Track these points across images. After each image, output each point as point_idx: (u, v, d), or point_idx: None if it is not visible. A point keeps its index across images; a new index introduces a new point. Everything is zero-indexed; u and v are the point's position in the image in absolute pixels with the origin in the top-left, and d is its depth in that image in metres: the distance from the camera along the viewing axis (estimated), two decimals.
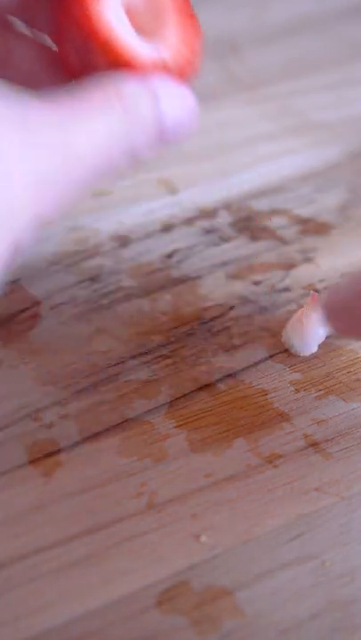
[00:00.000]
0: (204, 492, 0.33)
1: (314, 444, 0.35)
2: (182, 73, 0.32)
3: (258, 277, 0.42)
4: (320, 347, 0.39)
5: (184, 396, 0.36)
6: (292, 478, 0.33)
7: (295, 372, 0.38)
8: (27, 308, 0.40)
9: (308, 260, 0.44)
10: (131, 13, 0.30)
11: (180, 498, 0.33)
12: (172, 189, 0.48)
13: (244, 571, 0.30)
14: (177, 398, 0.36)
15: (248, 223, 0.46)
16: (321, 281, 0.42)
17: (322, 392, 0.37)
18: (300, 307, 0.41)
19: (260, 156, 0.51)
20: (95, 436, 0.35)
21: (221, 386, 0.37)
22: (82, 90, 0.28)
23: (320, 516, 0.32)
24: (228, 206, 0.47)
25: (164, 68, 0.30)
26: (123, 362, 0.38)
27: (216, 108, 0.56)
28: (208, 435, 0.35)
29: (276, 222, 0.46)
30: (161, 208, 0.46)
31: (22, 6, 0.32)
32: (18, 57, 0.33)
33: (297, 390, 0.37)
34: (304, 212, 0.47)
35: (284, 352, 0.38)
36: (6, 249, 0.26)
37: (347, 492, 0.33)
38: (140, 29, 0.30)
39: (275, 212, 0.47)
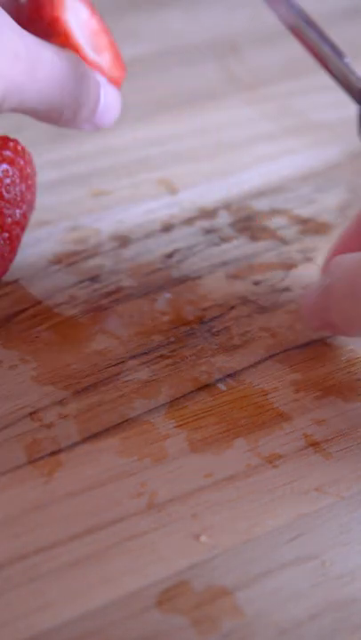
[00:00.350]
0: (204, 492, 0.33)
1: (314, 444, 0.35)
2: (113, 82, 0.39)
3: (258, 277, 0.42)
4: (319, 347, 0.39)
5: (184, 396, 0.36)
6: (292, 478, 0.33)
7: (295, 372, 0.38)
8: (27, 308, 0.40)
9: (308, 259, 0.44)
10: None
11: (180, 498, 0.33)
12: (172, 189, 0.48)
13: (244, 571, 0.30)
14: (177, 398, 0.36)
15: (248, 223, 0.46)
16: None
17: (322, 392, 0.37)
18: (300, 306, 0.41)
19: (260, 156, 0.51)
20: (95, 435, 0.35)
21: (221, 386, 0.37)
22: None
23: (320, 516, 0.32)
24: (228, 206, 0.47)
25: (102, 72, 0.38)
26: (123, 362, 0.38)
27: (216, 108, 0.56)
28: (208, 435, 0.35)
29: (276, 222, 0.46)
30: (161, 208, 0.46)
31: None
32: None
33: (297, 390, 0.37)
34: (304, 211, 0.47)
35: (284, 352, 0.38)
36: None
37: (347, 492, 0.33)
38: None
39: (275, 212, 0.47)
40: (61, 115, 0.36)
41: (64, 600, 0.29)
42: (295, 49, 0.63)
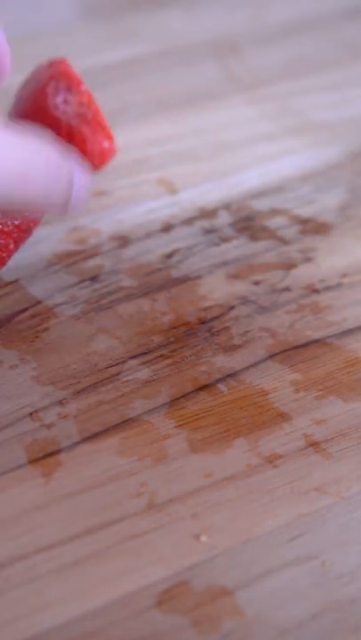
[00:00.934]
0: (204, 492, 0.33)
1: (314, 444, 0.35)
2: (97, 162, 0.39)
3: (258, 277, 0.42)
4: (320, 346, 0.39)
5: (184, 396, 0.36)
6: (292, 478, 0.33)
7: (295, 372, 0.38)
8: (27, 308, 0.40)
9: (308, 259, 0.44)
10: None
11: (180, 498, 0.33)
12: (172, 189, 0.48)
13: (244, 571, 0.30)
14: (177, 398, 0.36)
15: (248, 223, 0.46)
16: (321, 281, 0.42)
17: (322, 392, 0.37)
18: (301, 307, 0.41)
19: (260, 156, 0.51)
20: (95, 435, 0.35)
21: (221, 386, 0.37)
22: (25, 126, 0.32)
23: (320, 516, 0.32)
24: (228, 206, 0.47)
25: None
26: (123, 362, 0.38)
27: (216, 108, 0.56)
28: (208, 435, 0.35)
29: (276, 222, 0.46)
30: (161, 208, 0.46)
31: None
32: None
33: (297, 390, 0.37)
34: (304, 212, 0.47)
35: (284, 352, 0.38)
36: None
37: (347, 492, 0.33)
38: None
39: (275, 212, 0.47)
40: (24, 208, 0.33)
41: (64, 600, 0.29)
42: (295, 49, 0.63)
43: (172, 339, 0.39)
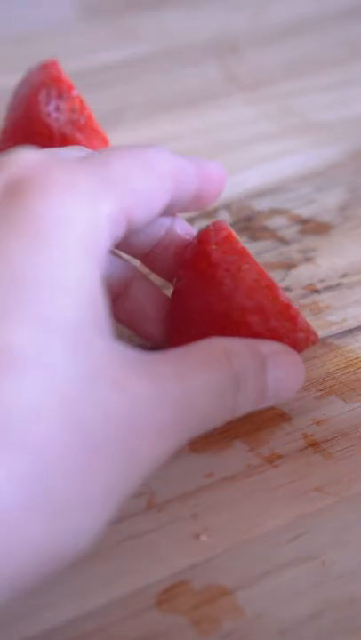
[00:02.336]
0: (204, 492, 0.33)
1: (314, 444, 0.35)
2: (303, 345, 0.34)
3: None
4: (320, 347, 0.39)
5: None
6: (292, 478, 0.33)
7: None
8: None
9: (308, 259, 0.44)
10: None
11: (180, 498, 0.33)
12: None
13: (244, 571, 0.30)
14: None
15: (248, 223, 0.46)
16: (321, 281, 0.42)
17: (322, 392, 0.37)
18: (301, 307, 0.41)
19: (260, 156, 0.51)
20: None
21: None
22: (195, 348, 0.30)
23: (320, 516, 0.32)
24: (228, 206, 0.47)
25: (313, 338, 0.34)
26: None
27: (216, 108, 0.56)
28: (208, 435, 0.35)
29: (276, 222, 0.46)
30: None
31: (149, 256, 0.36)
32: (135, 291, 0.36)
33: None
34: (304, 211, 0.47)
35: None
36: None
37: (347, 492, 0.33)
38: None
39: (275, 212, 0.47)
40: (218, 423, 0.31)
41: (64, 600, 0.29)
42: (295, 49, 0.63)
43: None
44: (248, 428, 0.35)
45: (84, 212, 0.29)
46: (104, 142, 0.48)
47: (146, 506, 0.32)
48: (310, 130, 0.54)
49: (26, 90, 0.46)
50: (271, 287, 0.33)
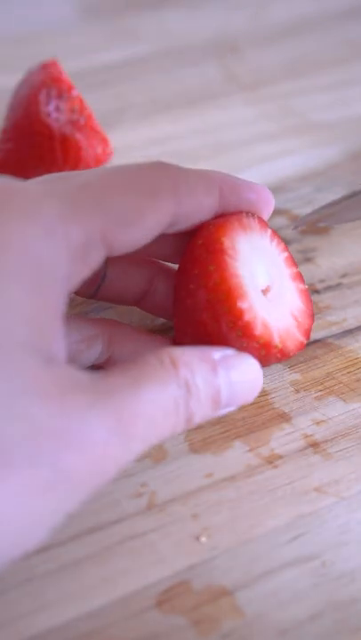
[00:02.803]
0: (204, 493, 0.33)
1: (314, 445, 0.35)
2: (294, 353, 0.34)
3: None
4: (320, 347, 0.39)
5: None
6: (292, 478, 0.33)
7: (295, 372, 0.38)
8: None
9: (308, 259, 0.44)
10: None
11: (180, 498, 0.33)
12: None
13: (244, 571, 0.30)
14: None
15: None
16: (321, 281, 0.42)
17: (322, 392, 0.37)
18: None
19: (260, 156, 0.51)
20: None
21: None
22: (140, 360, 0.30)
23: (320, 517, 0.32)
24: None
25: (275, 352, 0.33)
26: None
27: (216, 108, 0.56)
28: (208, 435, 0.35)
29: (276, 222, 0.46)
30: None
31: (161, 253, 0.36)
32: (158, 285, 0.37)
33: (297, 390, 0.37)
34: (304, 211, 0.47)
35: None
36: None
37: (347, 492, 0.33)
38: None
39: (275, 211, 0.47)
40: (174, 432, 0.30)
41: (64, 600, 0.29)
42: (295, 49, 0.63)
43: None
44: (248, 428, 0.35)
45: (39, 241, 0.28)
46: (104, 142, 0.48)
47: (146, 506, 0.32)
48: (310, 130, 0.54)
49: (26, 90, 0.46)
50: (229, 293, 0.32)
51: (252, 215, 0.34)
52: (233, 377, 0.31)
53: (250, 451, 0.34)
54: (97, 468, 0.27)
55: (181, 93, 0.58)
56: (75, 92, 0.45)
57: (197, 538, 0.31)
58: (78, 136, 0.46)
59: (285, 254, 0.35)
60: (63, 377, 0.28)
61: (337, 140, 0.53)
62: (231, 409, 0.32)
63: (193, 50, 0.63)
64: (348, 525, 0.32)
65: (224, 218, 0.33)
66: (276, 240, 0.35)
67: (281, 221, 0.46)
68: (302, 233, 0.45)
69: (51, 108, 0.45)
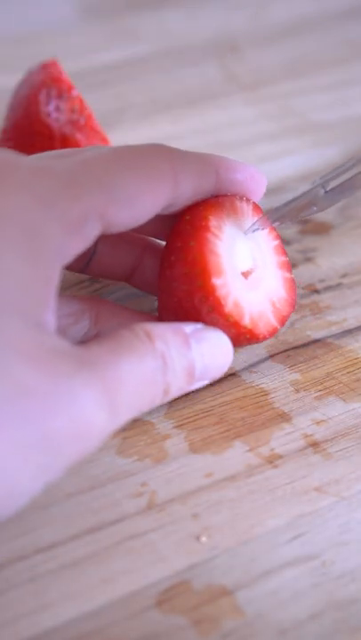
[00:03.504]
0: (205, 492, 0.33)
1: (314, 445, 0.35)
2: (267, 337, 0.35)
3: None
4: (320, 347, 0.39)
5: (184, 396, 0.36)
6: (292, 478, 0.33)
7: (295, 372, 0.38)
8: None
9: (308, 259, 0.44)
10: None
11: (181, 498, 0.33)
12: None
13: (244, 571, 0.30)
14: (177, 398, 0.36)
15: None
16: (321, 281, 0.42)
17: (322, 392, 0.37)
18: (301, 307, 0.41)
19: (260, 156, 0.51)
20: None
21: (221, 386, 0.37)
22: (117, 333, 0.30)
23: (320, 516, 0.32)
24: None
25: (244, 331, 0.34)
26: None
27: (216, 108, 0.56)
28: (208, 435, 0.35)
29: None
30: None
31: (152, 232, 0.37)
32: (148, 261, 0.37)
33: (297, 390, 0.37)
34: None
35: (283, 352, 0.38)
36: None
37: (347, 491, 0.33)
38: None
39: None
40: (152, 405, 0.31)
41: (64, 600, 0.29)
42: (295, 49, 0.63)
43: None
44: (248, 428, 0.35)
45: (37, 213, 0.29)
46: (104, 142, 0.48)
47: (146, 506, 0.32)
48: (310, 130, 0.54)
49: (26, 90, 0.46)
50: (205, 268, 0.32)
51: (247, 200, 0.35)
52: (204, 350, 0.32)
53: (250, 450, 0.34)
54: (81, 435, 0.28)
55: (181, 93, 0.58)
56: (75, 92, 0.45)
57: (198, 537, 0.31)
58: (78, 136, 0.46)
59: (276, 242, 0.36)
60: (51, 344, 0.28)
61: (337, 140, 0.53)
62: (204, 383, 0.33)
63: (193, 50, 0.63)
64: (349, 525, 0.32)
65: (216, 198, 0.34)
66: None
67: None
68: (302, 233, 0.45)
69: (51, 108, 0.45)
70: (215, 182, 0.34)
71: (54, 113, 0.45)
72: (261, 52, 0.63)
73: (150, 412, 0.36)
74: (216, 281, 0.32)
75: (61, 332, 0.34)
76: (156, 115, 0.55)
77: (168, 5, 0.69)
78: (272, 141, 0.53)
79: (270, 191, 0.48)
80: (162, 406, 0.36)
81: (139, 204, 0.31)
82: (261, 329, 0.34)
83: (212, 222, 0.33)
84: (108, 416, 0.29)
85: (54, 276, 0.29)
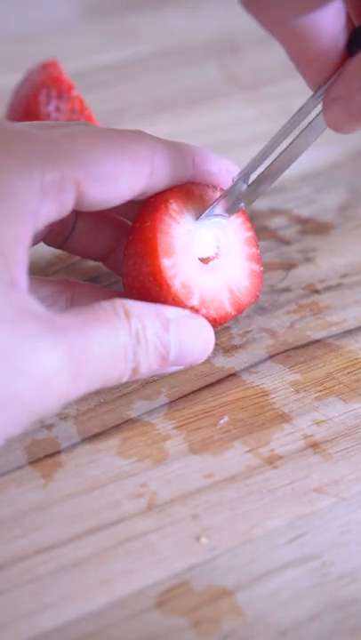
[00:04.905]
0: (204, 493, 0.33)
1: (314, 445, 0.35)
2: (219, 321, 0.35)
3: None
4: (320, 347, 0.39)
5: (184, 396, 0.36)
6: (292, 479, 0.33)
7: (295, 372, 0.38)
8: None
9: (308, 260, 0.44)
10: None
11: (180, 498, 0.33)
12: None
13: (244, 571, 0.30)
14: (177, 399, 0.36)
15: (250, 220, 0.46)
16: (321, 281, 0.42)
17: (322, 393, 0.37)
18: (301, 307, 0.41)
19: None
20: (95, 436, 0.35)
21: (221, 386, 0.37)
22: (95, 305, 0.31)
23: (320, 517, 0.32)
24: None
25: (185, 307, 0.34)
26: None
27: (216, 108, 0.56)
28: (208, 435, 0.35)
29: (276, 222, 0.46)
30: None
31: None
32: (122, 247, 0.37)
33: (297, 391, 0.37)
34: (304, 212, 0.47)
35: (283, 353, 0.38)
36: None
37: (347, 492, 0.33)
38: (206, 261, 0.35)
39: (275, 212, 0.47)
40: (120, 379, 0.32)
41: (64, 601, 0.29)
42: None
43: None
44: (248, 428, 0.35)
45: (14, 174, 0.30)
46: None
47: (146, 506, 0.32)
48: None
49: (26, 90, 0.46)
50: (154, 250, 0.33)
51: (221, 190, 0.36)
52: (183, 336, 0.33)
53: (250, 451, 0.34)
54: (42, 396, 0.28)
55: (181, 93, 0.58)
56: (75, 92, 0.45)
57: (197, 538, 0.31)
58: None
59: (248, 234, 0.37)
60: (21, 302, 0.29)
61: (337, 140, 0.53)
62: (179, 368, 0.34)
63: (193, 50, 0.63)
64: (348, 526, 0.32)
65: (187, 185, 0.35)
66: (241, 219, 0.37)
67: (281, 221, 0.46)
68: (302, 233, 0.45)
69: (51, 108, 0.45)
70: (191, 172, 0.35)
71: (54, 113, 0.45)
72: (261, 52, 0.62)
73: (150, 413, 0.36)
74: (165, 261, 0.33)
75: None
76: (156, 115, 0.55)
77: (168, 5, 0.69)
78: None
79: (270, 191, 0.48)
80: (162, 407, 0.36)
81: (114, 184, 0.32)
82: (213, 313, 0.34)
83: (173, 206, 0.34)
84: (69, 383, 0.29)
85: (26, 237, 0.30)
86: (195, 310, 0.34)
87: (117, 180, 0.32)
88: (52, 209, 0.31)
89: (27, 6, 0.69)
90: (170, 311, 0.33)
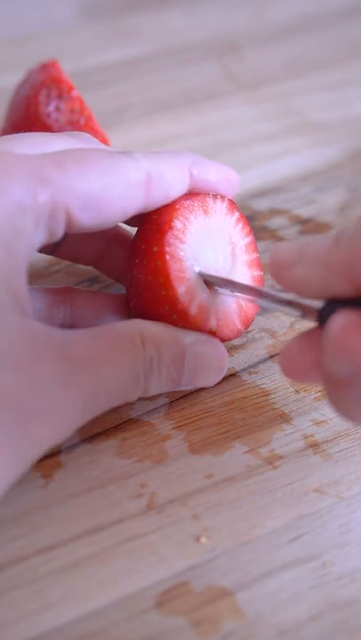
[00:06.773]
0: (204, 493, 0.33)
1: (314, 445, 0.35)
2: (230, 338, 0.35)
3: None
4: None
5: (184, 396, 0.36)
6: (292, 479, 0.33)
7: None
8: None
9: None
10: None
11: (181, 499, 0.33)
12: None
13: (244, 572, 0.30)
14: (177, 399, 0.36)
15: (248, 223, 0.46)
16: None
17: (322, 393, 0.37)
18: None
19: (260, 156, 0.51)
20: (95, 436, 0.35)
21: (221, 386, 0.37)
22: (112, 330, 0.31)
23: (320, 517, 0.32)
24: None
25: (205, 330, 0.34)
26: None
27: (216, 108, 0.56)
28: (208, 435, 0.35)
29: (276, 222, 0.46)
30: None
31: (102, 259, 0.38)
32: (114, 251, 0.38)
33: (297, 391, 0.37)
34: (304, 211, 0.47)
35: None
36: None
37: (347, 492, 0.33)
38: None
39: (275, 212, 0.47)
40: (129, 400, 0.32)
41: (64, 601, 0.29)
42: (295, 49, 0.63)
43: None
44: (248, 428, 0.35)
45: (12, 207, 0.30)
46: (104, 142, 0.48)
47: (146, 507, 0.32)
48: (310, 130, 0.54)
49: (26, 90, 0.46)
50: (167, 281, 0.33)
51: (221, 198, 0.35)
52: (198, 363, 0.33)
53: (250, 451, 0.34)
54: (54, 431, 0.29)
55: (181, 93, 0.58)
56: (75, 93, 0.45)
57: (197, 539, 0.31)
58: None
59: (248, 239, 0.36)
60: (34, 335, 0.29)
61: (337, 140, 0.53)
62: (190, 388, 0.34)
63: (193, 50, 0.63)
64: (348, 526, 0.32)
65: (187, 198, 0.35)
66: (241, 224, 0.36)
67: (281, 221, 0.46)
68: (302, 233, 0.45)
69: (51, 108, 0.45)
70: (189, 183, 0.35)
71: (54, 113, 0.45)
72: (261, 52, 0.62)
73: (150, 413, 0.36)
74: (179, 289, 0.33)
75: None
76: (156, 115, 0.55)
77: (168, 5, 0.69)
78: (272, 141, 0.53)
79: (270, 191, 0.48)
80: (162, 407, 0.36)
81: (106, 211, 0.32)
82: (226, 331, 0.34)
83: (178, 225, 0.34)
84: (81, 415, 0.30)
85: (26, 264, 0.31)
86: (212, 333, 0.34)
87: (109, 207, 0.32)
88: (45, 236, 0.31)
89: (27, 6, 0.69)
90: (188, 337, 0.33)
